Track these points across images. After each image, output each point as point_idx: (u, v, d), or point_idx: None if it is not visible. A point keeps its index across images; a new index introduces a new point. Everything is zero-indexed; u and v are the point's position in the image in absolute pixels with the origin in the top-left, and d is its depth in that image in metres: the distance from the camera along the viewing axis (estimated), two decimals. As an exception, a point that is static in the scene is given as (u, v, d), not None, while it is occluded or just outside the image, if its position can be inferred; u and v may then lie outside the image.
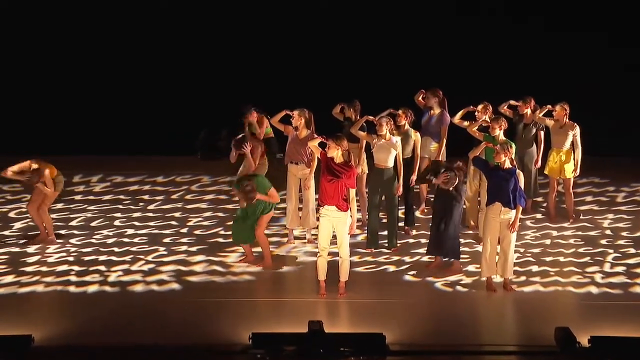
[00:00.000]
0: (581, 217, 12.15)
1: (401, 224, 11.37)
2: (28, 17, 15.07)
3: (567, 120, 11.62)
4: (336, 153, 9.45)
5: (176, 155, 14.52)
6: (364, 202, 11.58)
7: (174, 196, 12.95)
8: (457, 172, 10.06)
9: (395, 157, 10.68)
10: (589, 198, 13.08)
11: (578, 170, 11.78)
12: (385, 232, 10.96)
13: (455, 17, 15.07)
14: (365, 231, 11.09)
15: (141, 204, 12.60)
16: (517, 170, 9.74)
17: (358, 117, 11.41)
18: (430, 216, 12.05)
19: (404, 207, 11.43)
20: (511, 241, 9.70)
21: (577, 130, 11.62)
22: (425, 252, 10.82)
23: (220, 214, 11.95)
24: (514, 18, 15.11)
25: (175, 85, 14.86)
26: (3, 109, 14.90)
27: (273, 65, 15.02)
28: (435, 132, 11.95)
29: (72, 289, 9.77)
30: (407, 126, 11.19)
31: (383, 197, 10.83)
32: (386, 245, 10.93)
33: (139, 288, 9.84)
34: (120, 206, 12.44)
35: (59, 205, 12.32)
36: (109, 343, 8.58)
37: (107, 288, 9.81)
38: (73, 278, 10.01)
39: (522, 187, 9.76)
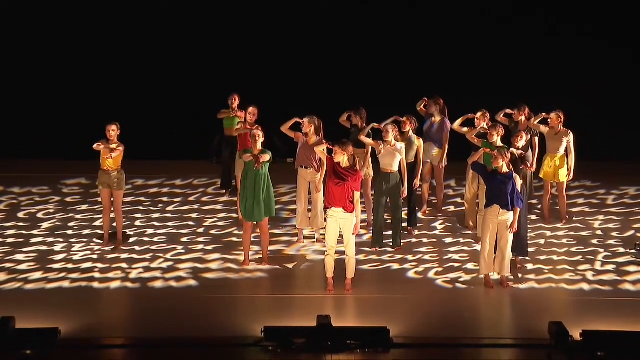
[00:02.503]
0: (573, 218, 12.11)
1: (404, 224, 11.35)
2: (35, 20, 15.02)
3: (562, 127, 11.58)
4: (342, 158, 9.45)
5: (193, 159, 14.54)
6: (369, 204, 11.57)
7: (191, 198, 12.96)
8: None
9: (400, 161, 10.67)
10: (580, 200, 13.04)
11: (572, 174, 11.74)
12: (390, 232, 10.95)
13: (455, 20, 14.98)
14: (371, 231, 11.08)
15: (160, 205, 12.61)
16: (514, 174, 9.70)
17: (364, 124, 11.40)
18: (432, 217, 12.11)
19: (407, 208, 11.42)
20: (509, 241, 9.67)
21: (571, 136, 11.59)
22: (426, 249, 10.85)
23: (234, 215, 11.95)
24: (514, 20, 15.01)
25: (192, 92, 14.84)
26: (27, 115, 14.93)
27: (284, 73, 14.99)
28: (437, 138, 11.94)
29: (96, 285, 9.79)
30: (410, 133, 11.18)
31: (388, 199, 10.81)
32: (390, 244, 10.91)
33: (158, 284, 9.85)
34: (141, 207, 12.46)
35: (84, 207, 12.36)
36: (130, 335, 8.60)
37: (129, 284, 9.82)
38: (97, 275, 10.02)
39: (519, 190, 9.72)
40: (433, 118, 11.98)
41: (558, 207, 12.03)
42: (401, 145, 10.68)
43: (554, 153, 11.62)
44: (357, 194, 9.52)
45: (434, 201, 12.51)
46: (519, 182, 9.74)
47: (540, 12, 14.89)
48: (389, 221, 11.08)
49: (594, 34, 14.78)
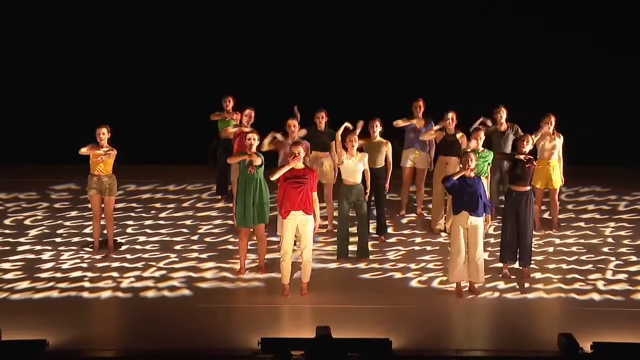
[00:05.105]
0: (561, 224, 12.02)
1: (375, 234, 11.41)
2: (22, 22, 15.03)
3: (554, 131, 11.54)
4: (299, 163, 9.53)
5: (188, 164, 14.54)
6: (330, 210, 11.65)
7: (185, 204, 12.96)
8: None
9: (363, 172, 10.68)
10: (591, 207, 13.04)
11: (564, 179, 11.72)
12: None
13: (453, 22, 15.03)
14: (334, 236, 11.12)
15: (153, 211, 12.62)
16: (481, 178, 9.73)
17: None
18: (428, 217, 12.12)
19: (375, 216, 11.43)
20: (478, 247, 9.66)
21: (562, 140, 11.55)
22: (430, 258, 10.87)
23: (230, 222, 11.94)
24: (513, 20, 15.06)
25: (187, 95, 14.85)
26: (15, 118, 14.95)
27: (281, 73, 15.00)
28: (418, 141, 12.00)
29: (85, 294, 9.78)
30: (378, 137, 11.19)
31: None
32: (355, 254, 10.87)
33: (150, 294, 9.84)
34: (133, 214, 12.46)
35: (73, 213, 12.37)
36: (121, 348, 8.59)
37: (120, 294, 9.81)
38: (87, 284, 10.01)
39: (488, 194, 9.70)
40: (416, 122, 12.05)
41: (550, 216, 12.01)
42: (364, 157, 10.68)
43: (548, 158, 11.54)
44: (315, 194, 9.60)
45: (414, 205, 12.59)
46: (486, 185, 9.72)
47: (539, 17, 14.95)
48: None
49: (594, 41, 14.83)
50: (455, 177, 9.63)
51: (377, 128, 11.18)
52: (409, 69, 14.80)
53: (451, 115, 11.52)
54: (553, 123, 11.47)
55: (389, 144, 11.24)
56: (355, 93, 14.41)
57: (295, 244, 9.85)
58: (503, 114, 11.82)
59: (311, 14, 15.09)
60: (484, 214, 9.70)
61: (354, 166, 10.55)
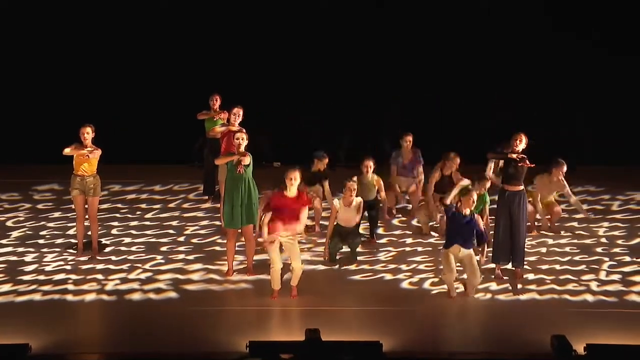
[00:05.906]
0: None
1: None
2: (5, 21, 15.05)
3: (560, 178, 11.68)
4: (293, 187, 9.48)
5: (174, 164, 14.52)
6: (318, 215, 11.73)
7: (171, 205, 12.94)
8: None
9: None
10: (584, 206, 13.05)
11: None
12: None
13: (448, 24, 15.11)
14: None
15: (138, 212, 12.59)
16: (475, 215, 9.76)
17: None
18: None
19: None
20: (475, 270, 9.69)
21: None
22: (421, 259, 10.88)
23: (217, 223, 11.93)
24: (512, 24, 15.15)
25: (173, 93, 14.84)
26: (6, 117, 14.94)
27: (270, 71, 15.04)
28: (409, 168, 12.28)
29: (69, 297, 9.74)
30: (370, 175, 11.29)
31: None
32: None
33: (136, 297, 9.80)
34: (118, 215, 12.42)
35: (57, 214, 12.32)
36: (105, 351, 8.56)
37: (105, 297, 9.77)
38: (70, 287, 9.97)
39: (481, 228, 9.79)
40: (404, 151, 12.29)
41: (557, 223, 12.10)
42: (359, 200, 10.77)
43: (550, 194, 11.72)
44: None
45: (408, 208, 12.61)
46: (481, 223, 9.86)
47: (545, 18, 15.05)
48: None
49: (594, 41, 14.91)
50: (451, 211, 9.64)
51: (370, 168, 11.28)
52: (402, 71, 14.89)
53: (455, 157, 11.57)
54: (564, 170, 11.61)
55: (381, 182, 11.38)
56: (349, 92, 14.46)
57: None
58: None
59: (302, 13, 15.12)
60: (482, 243, 9.84)
61: (351, 212, 10.66)
